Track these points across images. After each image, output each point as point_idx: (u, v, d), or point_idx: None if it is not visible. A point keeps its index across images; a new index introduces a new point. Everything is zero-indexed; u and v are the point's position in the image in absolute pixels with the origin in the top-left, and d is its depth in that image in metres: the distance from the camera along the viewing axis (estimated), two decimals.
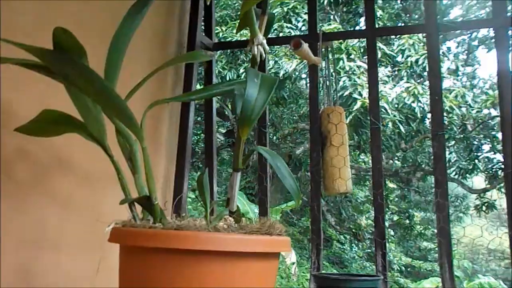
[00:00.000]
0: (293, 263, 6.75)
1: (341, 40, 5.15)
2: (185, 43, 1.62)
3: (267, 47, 0.78)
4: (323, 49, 1.64)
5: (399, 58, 6.19)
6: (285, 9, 6.00)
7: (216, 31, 5.50)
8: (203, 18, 1.70)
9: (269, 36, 1.01)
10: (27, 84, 0.96)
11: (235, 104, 0.73)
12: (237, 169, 0.71)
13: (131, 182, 0.79)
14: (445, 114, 5.70)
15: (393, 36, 6.24)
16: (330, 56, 1.68)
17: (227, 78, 6.02)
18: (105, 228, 0.71)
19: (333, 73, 1.67)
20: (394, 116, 5.46)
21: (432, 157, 1.40)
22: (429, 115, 6.11)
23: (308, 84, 1.76)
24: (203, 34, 1.67)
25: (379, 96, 1.52)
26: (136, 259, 0.67)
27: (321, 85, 1.65)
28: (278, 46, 6.04)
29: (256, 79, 0.59)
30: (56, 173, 1.01)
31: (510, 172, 1.34)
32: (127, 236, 0.67)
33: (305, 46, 1.32)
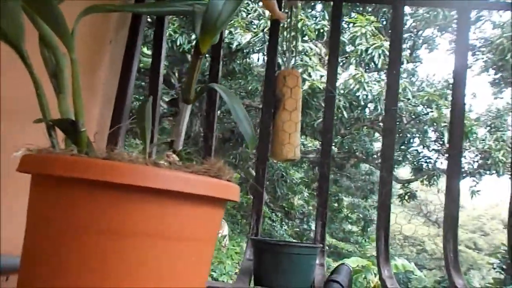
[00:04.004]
0: (225, 236, 6.78)
1: (304, 3, 5.03)
2: None
3: None
4: (287, 10, 1.55)
5: (348, 48, 6.30)
6: None
7: None
8: None
9: None
10: None
11: (194, 24, 0.61)
12: (188, 99, 0.60)
13: (54, 108, 0.65)
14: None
15: (345, 26, 6.31)
16: (293, 18, 1.59)
17: (178, 43, 5.72)
18: (13, 154, 0.56)
19: (295, 35, 1.59)
20: (339, 101, 5.57)
21: (382, 132, 1.39)
22: (370, 105, 6.33)
23: (266, 43, 1.65)
24: None
25: (336, 72, 1.46)
26: (51, 192, 0.54)
27: (280, 47, 1.56)
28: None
29: None
30: None
31: None
32: (40, 164, 0.53)
33: None
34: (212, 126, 1.44)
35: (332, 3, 1.47)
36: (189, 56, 6.29)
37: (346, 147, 7.59)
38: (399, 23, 1.40)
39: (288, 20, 1.57)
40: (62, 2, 0.65)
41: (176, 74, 7.24)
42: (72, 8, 0.68)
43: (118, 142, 1.22)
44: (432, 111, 6.30)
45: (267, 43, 1.67)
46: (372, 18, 6.12)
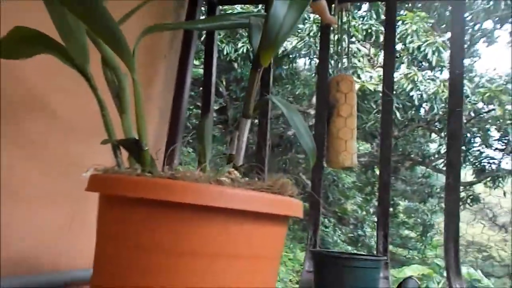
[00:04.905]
0: None
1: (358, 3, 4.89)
2: None
3: None
4: (338, 12, 1.51)
5: (399, 46, 6.06)
6: None
7: None
8: None
9: None
10: None
11: (250, 37, 0.60)
12: (247, 114, 0.58)
13: (117, 126, 0.66)
14: (441, 103, 5.63)
15: (398, 23, 6.08)
16: (345, 20, 1.54)
17: (225, 52, 5.81)
18: (82, 174, 0.58)
19: (347, 39, 1.54)
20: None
21: (447, 136, 1.30)
22: (425, 104, 6.03)
23: (318, 48, 1.62)
24: None
25: (393, 74, 1.40)
26: (118, 211, 0.54)
27: (332, 51, 1.52)
28: None
29: None
30: (27, 113, 0.86)
31: None
32: (108, 183, 0.54)
33: (323, 0, 1.18)
34: (265, 135, 1.43)
35: (385, 3, 1.41)
36: (235, 65, 6.37)
37: (400, 150, 7.28)
38: (460, 20, 1.31)
39: (339, 23, 1.53)
40: (123, 23, 0.66)
41: (224, 83, 7.37)
42: (132, 25, 0.70)
43: (175, 156, 1.24)
44: (494, 108, 5.87)
45: (318, 48, 1.63)
46: (423, 14, 5.85)
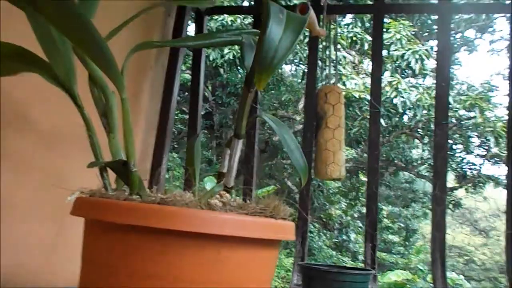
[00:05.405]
0: None
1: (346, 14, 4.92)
2: None
3: None
4: (326, 23, 1.51)
5: (384, 52, 6.14)
6: None
7: None
8: None
9: None
10: None
11: (243, 57, 0.59)
12: (239, 135, 0.57)
13: (104, 144, 0.64)
14: (424, 110, 5.73)
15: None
16: (332, 31, 1.54)
17: (211, 58, 5.79)
18: (67, 198, 0.56)
19: (334, 49, 1.54)
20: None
21: (434, 146, 1.31)
22: (408, 111, 6.13)
23: (304, 55, 1.62)
24: None
25: (380, 85, 1.41)
26: (105, 238, 0.52)
27: (319, 62, 1.52)
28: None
29: (281, 15, 0.45)
30: (10, 130, 0.83)
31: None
32: (95, 209, 0.52)
33: (312, 13, 1.18)
34: (253, 146, 1.42)
35: (372, 15, 1.42)
36: (221, 70, 6.35)
37: (384, 155, 7.36)
38: (446, 33, 1.33)
39: (327, 33, 1.53)
40: (110, 39, 0.64)
41: (210, 88, 7.34)
42: (118, 38, 0.67)
43: (163, 163, 1.22)
44: (475, 116, 6.00)
45: (304, 56, 1.63)
46: (407, 22, 5.95)
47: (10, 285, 0.83)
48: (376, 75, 1.39)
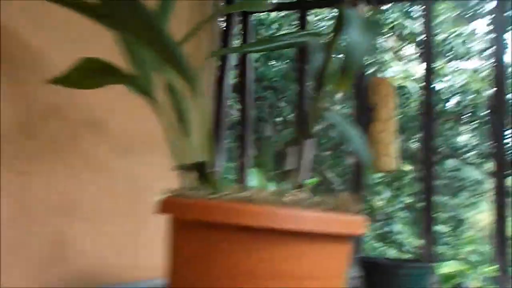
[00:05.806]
0: None
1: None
2: None
3: None
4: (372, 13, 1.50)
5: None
6: None
7: None
8: None
9: None
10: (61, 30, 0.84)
11: (309, 57, 0.61)
12: (311, 135, 0.60)
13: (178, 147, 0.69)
14: (471, 95, 5.49)
15: (418, 13, 5.94)
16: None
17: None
18: (154, 199, 0.61)
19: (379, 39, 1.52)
20: (420, 96, 5.25)
21: (492, 140, 1.27)
22: (453, 98, 5.88)
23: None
24: None
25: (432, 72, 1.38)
26: (193, 235, 0.57)
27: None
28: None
29: (357, 20, 0.47)
30: (90, 135, 0.90)
31: None
32: (183, 208, 0.57)
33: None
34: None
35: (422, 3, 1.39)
36: (257, 64, 6.38)
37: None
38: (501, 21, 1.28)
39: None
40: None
41: None
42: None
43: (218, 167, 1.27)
44: None
45: None
46: (450, 3, 5.69)
47: (99, 283, 0.90)
48: (428, 64, 1.36)
